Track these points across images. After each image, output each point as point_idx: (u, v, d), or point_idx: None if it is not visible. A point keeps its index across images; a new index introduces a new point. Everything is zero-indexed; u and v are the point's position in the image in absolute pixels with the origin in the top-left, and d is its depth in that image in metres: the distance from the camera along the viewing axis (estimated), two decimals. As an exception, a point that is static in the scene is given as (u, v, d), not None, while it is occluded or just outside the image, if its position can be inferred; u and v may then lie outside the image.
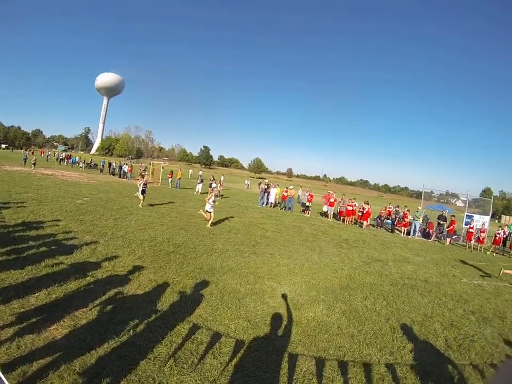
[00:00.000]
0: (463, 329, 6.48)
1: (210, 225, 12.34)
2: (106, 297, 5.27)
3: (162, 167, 34.76)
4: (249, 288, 6.63)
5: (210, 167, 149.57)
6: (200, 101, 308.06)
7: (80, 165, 44.78)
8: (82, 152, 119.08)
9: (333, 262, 9.88)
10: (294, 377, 3.98)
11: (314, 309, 6.09)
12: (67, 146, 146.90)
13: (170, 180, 30.08)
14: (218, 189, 25.41)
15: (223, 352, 4.20)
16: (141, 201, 15.08)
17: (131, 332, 4.33)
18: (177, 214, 14.23)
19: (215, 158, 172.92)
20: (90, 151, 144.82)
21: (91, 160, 52.02)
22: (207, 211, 12.58)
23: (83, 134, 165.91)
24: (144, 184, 15.44)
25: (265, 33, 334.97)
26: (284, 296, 6.47)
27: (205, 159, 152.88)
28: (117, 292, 5.50)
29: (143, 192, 15.23)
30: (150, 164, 36.29)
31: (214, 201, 12.68)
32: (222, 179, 28.53)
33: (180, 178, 29.53)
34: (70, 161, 48.52)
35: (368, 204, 20.82)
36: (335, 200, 21.81)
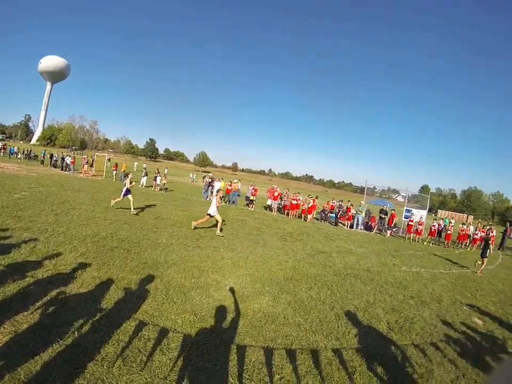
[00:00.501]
0: (403, 312, 6.82)
1: (220, 230, 11.63)
2: (48, 298, 4.82)
3: (109, 159, 33.03)
4: (194, 282, 6.47)
5: (156, 160, 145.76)
6: (147, 92, 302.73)
7: (19, 156, 41.54)
8: (21, 142, 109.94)
9: (277, 254, 9.94)
10: (244, 367, 3.94)
11: (260, 301, 6.07)
12: (4, 135, 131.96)
13: (114, 172, 28.76)
14: (163, 181, 24.75)
15: (171, 347, 4.08)
16: (131, 205, 13.24)
17: (76, 333, 4.01)
18: (121, 208, 13.56)
19: (161, 151, 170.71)
20: (30, 141, 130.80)
21: (31, 150, 46.85)
22: (209, 214, 11.78)
23: (23, 122, 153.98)
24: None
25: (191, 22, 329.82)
26: (229, 289, 6.40)
27: (151, 152, 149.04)
28: (59, 292, 5.07)
29: (127, 192, 13.48)
30: (95, 156, 34.37)
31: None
32: (166, 172, 27.56)
33: (124, 171, 28.17)
34: (7, 151, 43.90)
35: (313, 197, 21.29)
36: (279, 194, 22.08)
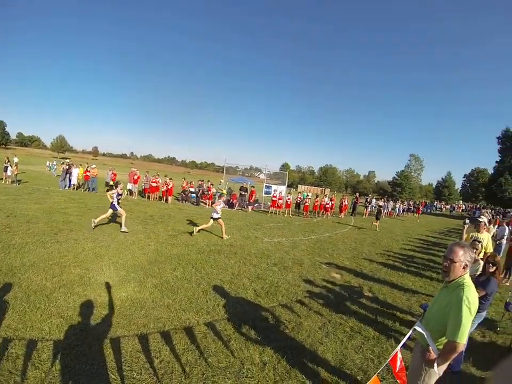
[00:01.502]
0: (268, 279, 7.35)
1: (226, 234, 11.11)
2: None
3: None
4: (56, 281, 5.85)
5: (7, 147, 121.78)
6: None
7: None
8: None
9: (139, 239, 9.56)
10: (122, 360, 3.81)
11: (126, 289, 5.84)
12: None
13: None
14: (15, 172, 21.24)
15: (43, 359, 3.67)
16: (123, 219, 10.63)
17: None
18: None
19: (13, 136, 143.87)
20: None
21: None
22: (213, 218, 11.04)
23: None
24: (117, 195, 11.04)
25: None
26: (94, 282, 5.99)
27: (0, 138, 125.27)
28: None
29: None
30: None
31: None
32: (15, 161, 23.01)
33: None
34: None
35: (171, 179, 20.89)
36: (138, 177, 21.10)
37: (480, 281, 4.54)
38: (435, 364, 2.53)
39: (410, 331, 2.90)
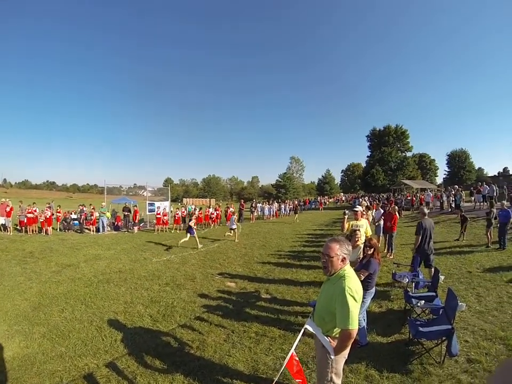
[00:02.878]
0: (162, 301, 7.25)
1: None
2: None
3: None
4: None
5: None
6: None
7: None
8: None
9: (18, 282, 8.56)
10: None
11: (10, 346, 5.18)
12: None
13: None
14: None
15: None
16: None
17: None
18: None
19: None
20: None
21: None
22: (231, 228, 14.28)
23: None
24: None
25: None
26: None
27: None
28: None
29: None
30: None
31: None
32: None
33: None
34: None
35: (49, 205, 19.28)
36: (11, 209, 18.65)
37: (363, 264, 5.02)
38: (332, 355, 2.73)
39: (301, 332, 3.06)
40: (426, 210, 8.17)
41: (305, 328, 2.94)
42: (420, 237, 7.49)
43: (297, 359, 2.99)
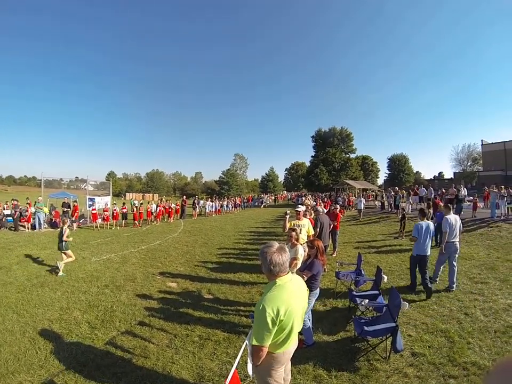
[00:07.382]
0: (101, 305, 6.81)
1: None
2: None
3: None
4: None
5: None
6: None
7: None
8: None
9: None
10: None
11: None
12: None
13: None
14: None
15: None
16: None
17: None
18: None
19: None
20: None
21: None
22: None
23: None
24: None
25: None
26: None
27: None
28: None
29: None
30: None
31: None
32: None
33: None
34: None
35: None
36: None
37: (307, 264, 5.00)
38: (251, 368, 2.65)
39: (242, 347, 3.02)
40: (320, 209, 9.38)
41: (246, 343, 2.89)
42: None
43: (238, 376, 2.91)
